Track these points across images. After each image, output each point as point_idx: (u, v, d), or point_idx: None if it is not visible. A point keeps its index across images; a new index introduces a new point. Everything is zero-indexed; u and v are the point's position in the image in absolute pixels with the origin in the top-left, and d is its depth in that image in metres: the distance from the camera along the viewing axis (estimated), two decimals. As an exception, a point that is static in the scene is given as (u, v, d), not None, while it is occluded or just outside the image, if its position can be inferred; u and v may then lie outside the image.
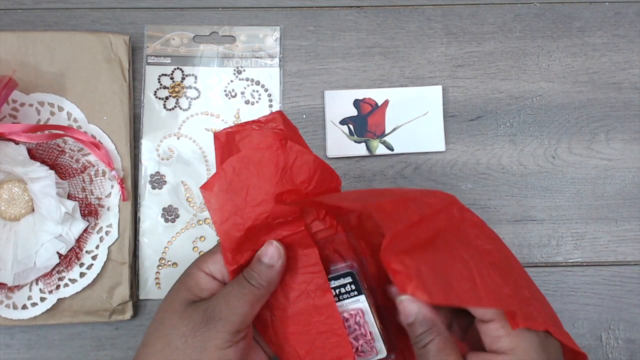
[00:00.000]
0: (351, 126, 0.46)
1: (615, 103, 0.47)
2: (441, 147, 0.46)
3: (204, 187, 0.34)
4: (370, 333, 0.36)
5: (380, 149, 0.46)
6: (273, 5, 0.48)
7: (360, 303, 0.36)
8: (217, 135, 0.35)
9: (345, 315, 0.36)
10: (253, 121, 0.35)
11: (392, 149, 0.46)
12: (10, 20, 0.47)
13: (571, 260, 0.46)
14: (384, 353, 0.36)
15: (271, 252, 0.35)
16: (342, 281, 0.36)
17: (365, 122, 0.46)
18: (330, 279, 0.36)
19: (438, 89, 0.47)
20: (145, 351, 0.34)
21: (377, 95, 0.47)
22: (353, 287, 0.36)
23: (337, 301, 0.36)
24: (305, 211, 0.37)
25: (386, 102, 0.47)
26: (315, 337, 0.35)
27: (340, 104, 0.46)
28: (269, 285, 0.34)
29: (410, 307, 0.33)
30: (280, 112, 0.35)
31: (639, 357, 0.45)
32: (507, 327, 0.32)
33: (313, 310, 0.35)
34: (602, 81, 0.47)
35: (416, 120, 0.46)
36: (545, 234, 0.46)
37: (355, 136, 0.46)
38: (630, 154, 0.47)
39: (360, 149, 0.46)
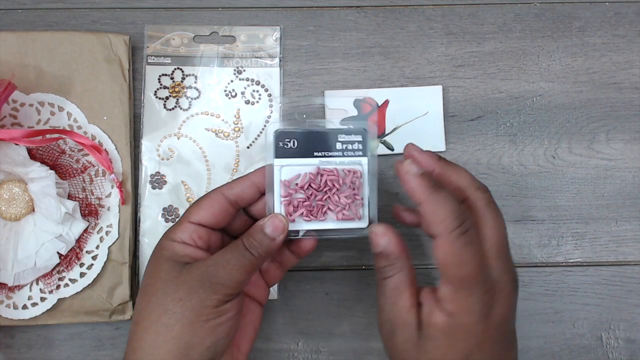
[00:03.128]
0: (351, 126, 0.46)
1: (615, 103, 0.47)
2: (441, 147, 0.46)
3: None
4: (360, 197, 0.37)
5: (380, 149, 0.46)
6: (273, 5, 0.48)
7: (360, 166, 0.37)
8: None
9: (344, 172, 0.37)
10: None
11: (392, 149, 0.46)
12: (10, 20, 0.47)
13: (571, 260, 0.46)
14: (365, 222, 0.37)
15: (275, 225, 0.35)
16: (351, 137, 0.37)
17: (366, 122, 0.46)
18: (341, 132, 0.37)
19: (438, 89, 0.47)
20: (140, 327, 0.34)
21: (377, 95, 0.47)
22: (360, 146, 0.37)
23: (340, 156, 0.37)
24: None
25: (386, 102, 0.47)
26: None
27: (340, 104, 0.46)
28: (267, 255, 0.35)
29: (380, 239, 0.35)
30: None
31: (639, 357, 0.45)
32: (456, 293, 0.32)
33: None
34: (602, 81, 0.47)
35: (416, 120, 0.46)
36: (545, 234, 0.46)
37: (355, 136, 0.46)
38: (630, 154, 0.47)
39: (360, 149, 0.46)
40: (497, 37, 0.48)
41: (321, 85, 0.47)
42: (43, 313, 0.42)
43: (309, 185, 0.37)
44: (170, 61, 0.46)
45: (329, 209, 0.37)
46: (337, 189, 0.37)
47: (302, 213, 0.37)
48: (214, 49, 0.46)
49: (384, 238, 0.35)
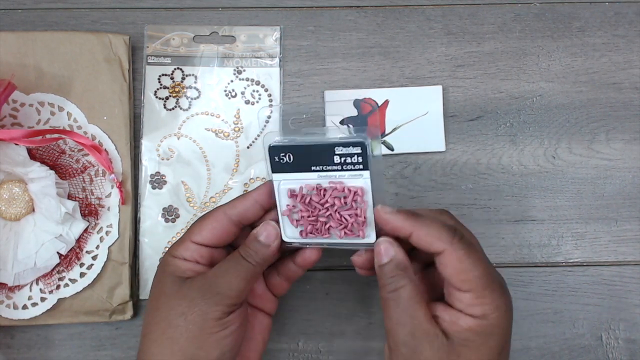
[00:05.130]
0: (351, 126, 0.46)
1: (615, 103, 0.47)
2: (441, 147, 0.46)
3: None
4: (365, 215, 0.35)
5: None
6: (273, 5, 0.48)
7: (362, 180, 0.34)
8: None
9: (345, 190, 0.34)
10: None
11: (392, 149, 0.46)
12: (10, 20, 0.47)
13: (571, 260, 0.46)
14: (372, 239, 0.35)
15: (268, 232, 0.35)
16: (350, 150, 0.33)
17: (365, 122, 0.46)
18: (337, 145, 0.33)
19: (438, 89, 0.47)
20: (147, 339, 0.34)
21: (377, 95, 0.47)
22: (360, 159, 0.33)
23: (339, 170, 0.34)
24: None
25: (386, 102, 0.47)
26: None
27: (340, 104, 0.46)
28: (264, 262, 0.35)
29: (389, 248, 0.34)
30: None
31: (639, 357, 0.45)
32: (480, 297, 0.32)
33: None
34: (602, 81, 0.47)
35: (416, 120, 0.46)
36: (545, 234, 0.46)
37: (355, 136, 0.46)
38: (630, 154, 0.47)
39: (360, 149, 0.46)
40: (497, 37, 0.48)
41: (321, 85, 0.47)
42: (43, 313, 0.42)
43: (310, 200, 0.35)
44: (170, 61, 0.46)
45: (331, 226, 0.35)
46: (340, 206, 0.35)
47: (307, 228, 0.36)
48: (214, 49, 0.46)
49: (392, 248, 0.34)
